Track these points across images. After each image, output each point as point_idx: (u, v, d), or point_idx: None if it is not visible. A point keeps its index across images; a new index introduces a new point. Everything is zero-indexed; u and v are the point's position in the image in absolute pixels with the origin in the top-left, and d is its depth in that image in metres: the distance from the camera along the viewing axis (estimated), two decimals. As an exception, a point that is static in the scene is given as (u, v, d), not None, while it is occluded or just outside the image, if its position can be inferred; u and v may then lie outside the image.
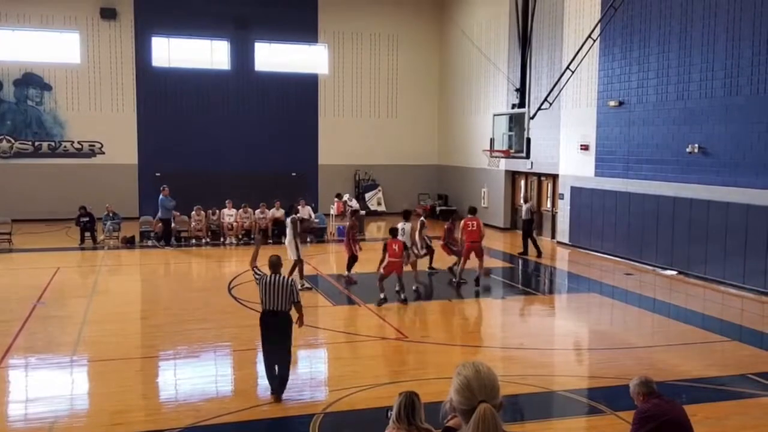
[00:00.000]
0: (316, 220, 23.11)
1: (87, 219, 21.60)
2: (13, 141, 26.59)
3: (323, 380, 10.23)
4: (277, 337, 8.86)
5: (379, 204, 29.74)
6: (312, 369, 10.77)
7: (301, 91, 29.41)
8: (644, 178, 18.58)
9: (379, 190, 29.93)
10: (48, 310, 13.58)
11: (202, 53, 28.35)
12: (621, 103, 19.37)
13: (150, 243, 21.44)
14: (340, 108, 30.13)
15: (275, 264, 8.98)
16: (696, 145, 16.73)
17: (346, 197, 24.65)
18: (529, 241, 20.33)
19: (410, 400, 4.79)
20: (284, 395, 9.11)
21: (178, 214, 22.02)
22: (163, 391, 9.65)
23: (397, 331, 12.07)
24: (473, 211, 16.55)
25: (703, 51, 16.54)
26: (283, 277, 8.91)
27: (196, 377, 10.02)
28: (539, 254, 20.12)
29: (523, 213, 20.95)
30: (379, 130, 30.44)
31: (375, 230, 26.14)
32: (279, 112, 28.96)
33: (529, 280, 18.14)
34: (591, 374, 10.37)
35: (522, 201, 21.78)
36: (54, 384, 9.72)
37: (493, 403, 2.56)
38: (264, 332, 9.00)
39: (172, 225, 21.47)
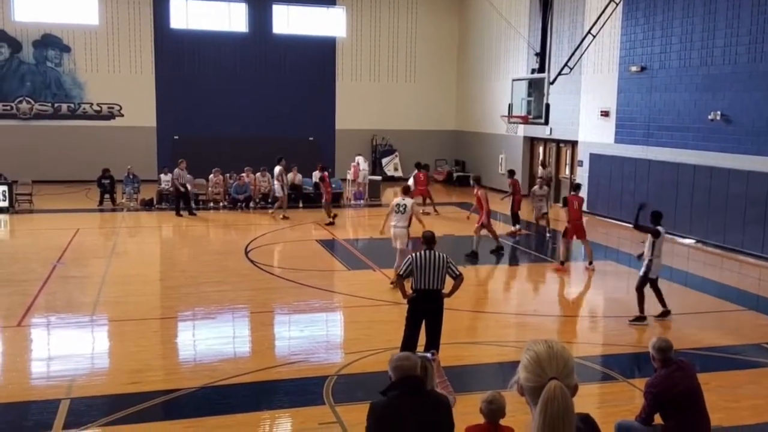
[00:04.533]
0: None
1: (108, 181, 21.80)
2: (33, 102, 26.73)
3: (337, 343, 10.33)
4: (432, 319, 8.16)
5: (395, 169, 29.64)
6: (327, 332, 10.88)
7: (319, 54, 29.20)
8: (665, 145, 18.36)
9: (396, 156, 29.81)
10: (68, 270, 13.78)
11: (220, 15, 28.17)
12: (643, 69, 19.06)
13: (164, 205, 21.57)
14: (358, 72, 29.90)
15: (429, 239, 8.36)
16: (718, 113, 16.46)
17: (359, 159, 24.43)
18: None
19: (422, 367, 4.66)
20: (299, 357, 9.24)
21: (191, 179, 22.01)
22: (181, 351, 9.81)
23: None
24: (578, 187, 15.60)
25: (728, 16, 16.18)
26: (438, 253, 8.17)
27: (213, 338, 10.16)
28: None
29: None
30: (397, 95, 30.21)
31: (392, 195, 26.10)
32: (296, 75, 28.80)
33: (545, 247, 18.08)
34: (605, 342, 10.38)
35: (540, 167, 21.53)
36: (73, 343, 9.91)
37: (565, 382, 2.23)
38: (415, 315, 8.19)
39: (189, 190, 21.30)
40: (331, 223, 19.04)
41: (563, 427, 2.15)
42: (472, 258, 15.12)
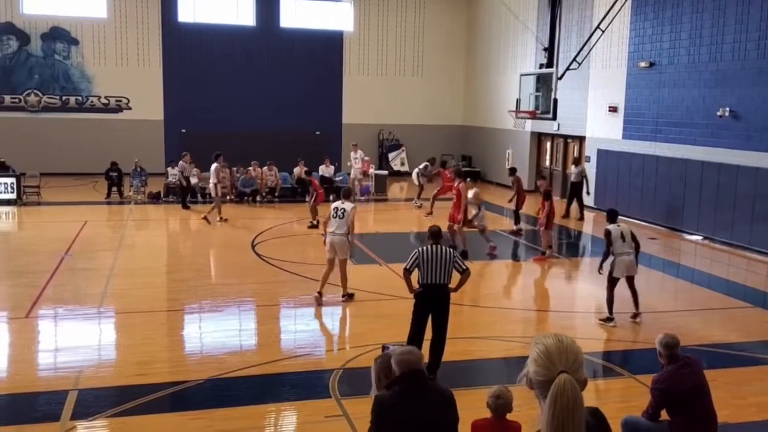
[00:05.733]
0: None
1: (115, 174, 21.89)
2: (41, 95, 26.81)
3: (343, 337, 10.36)
4: (439, 313, 8.16)
5: (402, 164, 29.62)
6: (332, 326, 10.90)
7: (326, 48, 29.17)
8: (673, 141, 18.28)
9: (403, 150, 29.79)
10: (76, 262, 13.84)
11: (227, 8, 28.16)
12: (652, 64, 18.98)
13: (171, 198, 21.60)
14: (365, 66, 29.87)
15: (435, 234, 8.35)
16: (727, 109, 16.38)
17: (360, 153, 24.07)
18: (575, 204, 20.15)
19: (386, 364, 4.61)
20: (305, 350, 9.27)
21: (198, 172, 22.07)
22: (187, 343, 9.83)
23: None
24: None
25: (738, 12, 16.08)
26: (444, 248, 8.20)
27: (220, 331, 10.20)
28: (581, 218, 20.04)
29: (573, 176, 20.44)
30: (404, 90, 30.17)
31: (398, 191, 26.12)
32: (303, 69, 28.78)
33: (552, 243, 18.02)
34: (611, 337, 10.37)
35: (572, 165, 21.24)
36: (81, 335, 9.95)
37: (575, 376, 2.23)
38: (422, 309, 8.19)
39: (192, 183, 21.37)
40: (314, 226, 17.57)
41: (572, 421, 2.16)
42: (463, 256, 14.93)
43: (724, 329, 10.54)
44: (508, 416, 5.10)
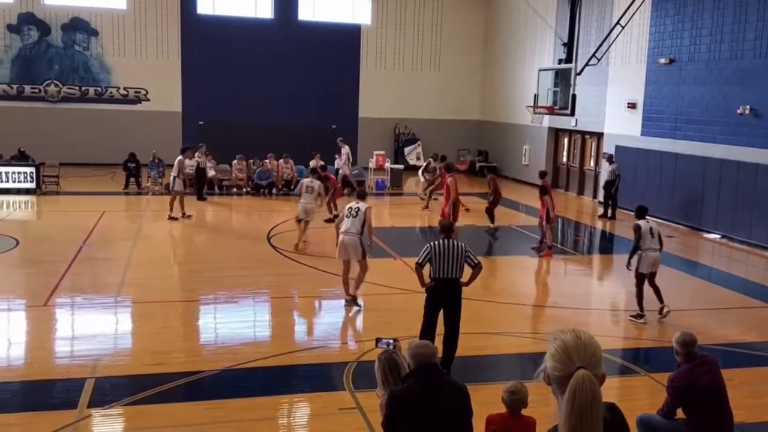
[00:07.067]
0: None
1: (134, 165, 22.04)
2: (60, 85, 27.03)
3: (357, 330, 10.38)
4: (450, 308, 8.13)
5: (418, 159, 29.51)
6: (347, 319, 10.91)
7: (344, 42, 29.15)
8: (692, 139, 18.12)
9: (419, 145, 29.72)
10: (93, 252, 13.96)
11: (246, 1, 28.20)
12: (672, 61, 18.80)
13: (188, 190, 21.66)
14: (382, 60, 29.82)
15: (447, 228, 8.35)
16: (747, 107, 16.21)
17: (346, 148, 23.59)
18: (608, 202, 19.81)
19: (392, 362, 4.54)
20: (319, 342, 9.30)
21: (215, 164, 22.16)
22: (203, 334, 9.91)
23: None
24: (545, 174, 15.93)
25: (760, 8, 15.89)
26: (456, 242, 8.16)
27: (235, 322, 10.27)
28: (612, 216, 19.50)
29: (607, 174, 20.10)
30: (421, 84, 30.09)
31: (413, 186, 26.07)
32: (320, 63, 28.77)
33: (567, 240, 17.98)
34: (626, 335, 10.32)
35: (606, 162, 20.92)
36: (98, 323, 10.05)
37: (593, 372, 2.22)
38: (434, 303, 8.16)
39: (209, 175, 21.48)
40: (331, 220, 16.91)
41: (591, 416, 2.15)
42: None
43: (741, 328, 10.45)
44: (523, 412, 5.10)
